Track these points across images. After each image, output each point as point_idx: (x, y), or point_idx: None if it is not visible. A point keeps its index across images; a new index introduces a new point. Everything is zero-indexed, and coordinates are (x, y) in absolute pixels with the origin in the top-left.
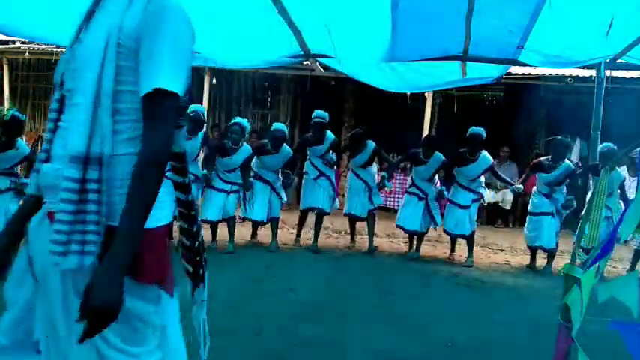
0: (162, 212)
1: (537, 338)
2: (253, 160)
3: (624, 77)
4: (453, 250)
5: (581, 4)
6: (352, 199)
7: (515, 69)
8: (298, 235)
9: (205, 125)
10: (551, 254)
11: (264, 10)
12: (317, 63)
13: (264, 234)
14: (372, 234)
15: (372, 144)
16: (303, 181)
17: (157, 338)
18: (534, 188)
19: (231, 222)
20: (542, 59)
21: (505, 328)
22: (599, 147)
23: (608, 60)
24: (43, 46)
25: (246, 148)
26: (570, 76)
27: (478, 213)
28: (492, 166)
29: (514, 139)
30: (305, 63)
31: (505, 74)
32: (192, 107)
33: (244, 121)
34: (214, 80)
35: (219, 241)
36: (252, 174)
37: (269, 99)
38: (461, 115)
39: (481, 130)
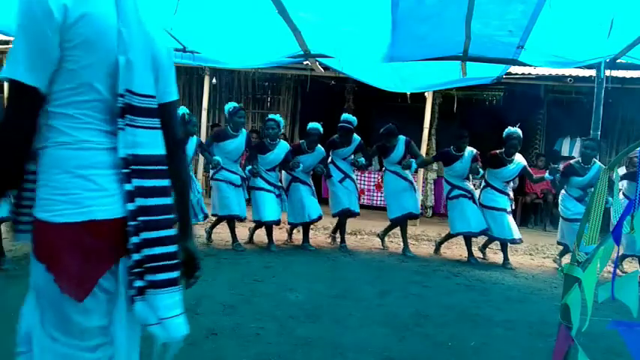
0: (70, 206)
1: (537, 338)
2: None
3: (624, 77)
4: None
5: (581, 4)
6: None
7: (515, 69)
8: (342, 241)
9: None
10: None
11: (264, 10)
12: (317, 63)
13: (261, 234)
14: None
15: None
16: (328, 185)
17: (97, 338)
18: (562, 192)
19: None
20: (542, 59)
21: (505, 328)
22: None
23: (608, 60)
24: None
25: (284, 144)
26: (570, 76)
27: None
28: (525, 167)
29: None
30: (305, 63)
31: (505, 74)
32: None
33: (278, 116)
34: (214, 80)
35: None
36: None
37: (269, 99)
38: (461, 115)
39: (517, 131)
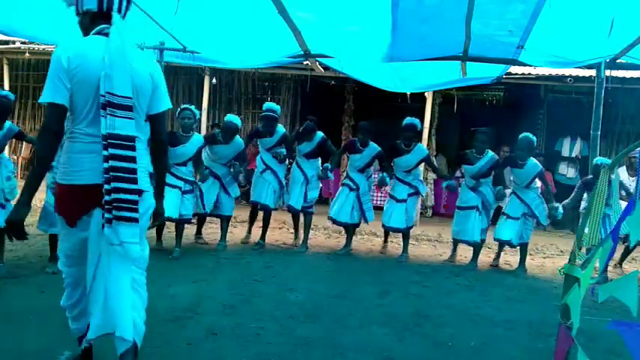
0: (69, 175)
1: (537, 338)
2: (203, 154)
3: (624, 77)
4: (385, 241)
5: (581, 4)
6: (292, 191)
7: (515, 69)
8: (249, 231)
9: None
10: (476, 249)
11: (264, 10)
12: (317, 63)
13: (257, 233)
14: (307, 232)
15: (320, 134)
16: (254, 175)
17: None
18: (463, 182)
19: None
20: (542, 59)
21: (505, 328)
22: (595, 159)
23: (608, 60)
24: (43, 46)
25: (198, 137)
26: (570, 76)
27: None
28: (428, 157)
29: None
30: (305, 63)
31: (505, 74)
32: None
33: (193, 107)
34: (214, 80)
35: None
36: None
37: (269, 99)
38: (461, 115)
39: (416, 121)
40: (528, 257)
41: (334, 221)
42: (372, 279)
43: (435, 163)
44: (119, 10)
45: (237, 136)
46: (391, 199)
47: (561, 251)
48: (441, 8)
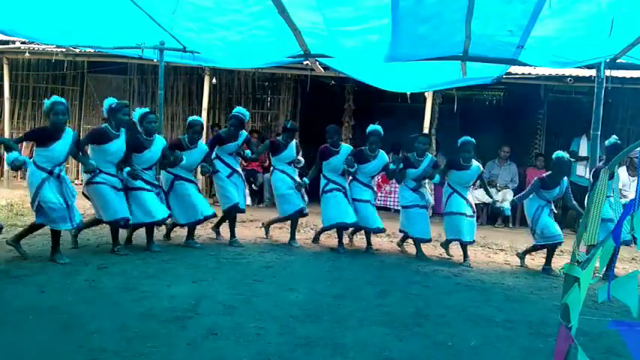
0: None
1: (537, 338)
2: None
3: (624, 77)
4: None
5: (581, 4)
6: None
7: (515, 69)
8: (233, 235)
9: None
10: (416, 244)
11: (264, 10)
12: (317, 63)
13: (279, 233)
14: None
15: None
16: (215, 181)
17: None
18: (402, 184)
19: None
20: (542, 59)
21: (505, 328)
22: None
23: (608, 60)
24: (43, 46)
25: (160, 139)
26: (570, 76)
27: (478, 212)
28: (387, 164)
29: (514, 139)
30: (305, 63)
31: (505, 74)
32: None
33: (142, 109)
34: (214, 80)
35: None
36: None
37: (269, 99)
38: (461, 115)
39: (379, 128)
40: (528, 257)
41: (345, 225)
42: (372, 279)
43: (390, 168)
44: None
45: (201, 142)
46: (361, 203)
47: (561, 251)
48: (441, 8)
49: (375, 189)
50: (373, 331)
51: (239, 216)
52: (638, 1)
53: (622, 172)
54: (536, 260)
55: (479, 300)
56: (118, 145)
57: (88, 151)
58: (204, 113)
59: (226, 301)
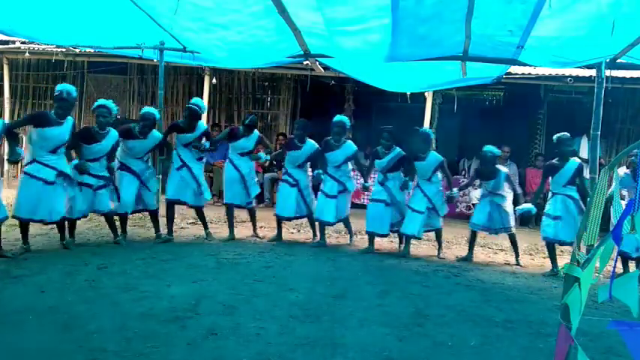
0: None
1: (537, 338)
2: (118, 150)
3: (624, 77)
4: (314, 234)
5: (581, 4)
6: (230, 189)
7: (515, 69)
8: (170, 232)
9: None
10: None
11: (264, 10)
12: (317, 63)
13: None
14: (255, 222)
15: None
16: (169, 171)
17: None
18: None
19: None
20: (542, 59)
21: (505, 328)
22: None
23: (608, 60)
24: (43, 46)
25: (114, 133)
26: (570, 76)
27: None
28: (355, 154)
29: (514, 139)
30: (305, 63)
31: (505, 74)
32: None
33: (110, 102)
34: (214, 80)
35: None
36: (117, 164)
37: (269, 99)
38: (461, 115)
39: (345, 119)
40: (529, 257)
41: (280, 217)
42: (372, 279)
43: (361, 161)
44: None
45: (155, 130)
46: (322, 194)
47: (561, 251)
48: (441, 8)
49: (352, 184)
50: (373, 331)
51: (239, 216)
52: (638, 1)
53: (622, 172)
54: (536, 260)
55: (479, 300)
56: (57, 133)
57: (24, 138)
58: (204, 113)
59: (226, 301)
